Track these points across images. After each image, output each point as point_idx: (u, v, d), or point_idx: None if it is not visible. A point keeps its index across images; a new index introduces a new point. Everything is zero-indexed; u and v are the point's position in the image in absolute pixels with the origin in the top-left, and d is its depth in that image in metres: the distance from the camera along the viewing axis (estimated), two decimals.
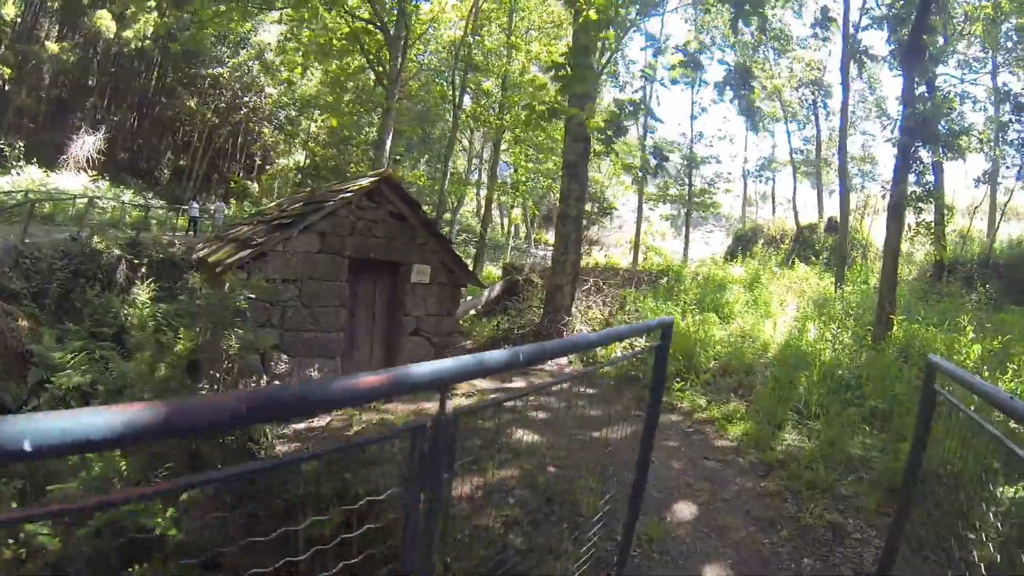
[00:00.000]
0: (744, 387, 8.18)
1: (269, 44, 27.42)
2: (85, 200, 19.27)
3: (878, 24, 12.65)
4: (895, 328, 9.38)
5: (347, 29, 17.20)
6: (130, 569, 4.33)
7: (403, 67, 21.10)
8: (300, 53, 22.64)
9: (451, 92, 22.27)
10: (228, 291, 7.43)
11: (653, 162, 9.42)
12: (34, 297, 13.99)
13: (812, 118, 29.33)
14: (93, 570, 4.58)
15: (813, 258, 20.45)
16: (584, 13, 7.57)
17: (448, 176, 22.20)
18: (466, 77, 22.17)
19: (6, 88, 26.54)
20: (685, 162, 29.17)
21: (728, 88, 8.36)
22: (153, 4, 24.33)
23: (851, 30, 17.30)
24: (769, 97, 29.76)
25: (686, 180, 28.96)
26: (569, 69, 7.38)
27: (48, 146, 25.85)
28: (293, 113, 29.04)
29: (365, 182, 9.54)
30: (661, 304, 12.47)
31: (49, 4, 26.90)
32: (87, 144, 26.35)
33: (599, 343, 3.93)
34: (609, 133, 7.80)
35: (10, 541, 5.06)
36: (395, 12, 16.78)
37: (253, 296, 7.68)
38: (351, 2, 17.69)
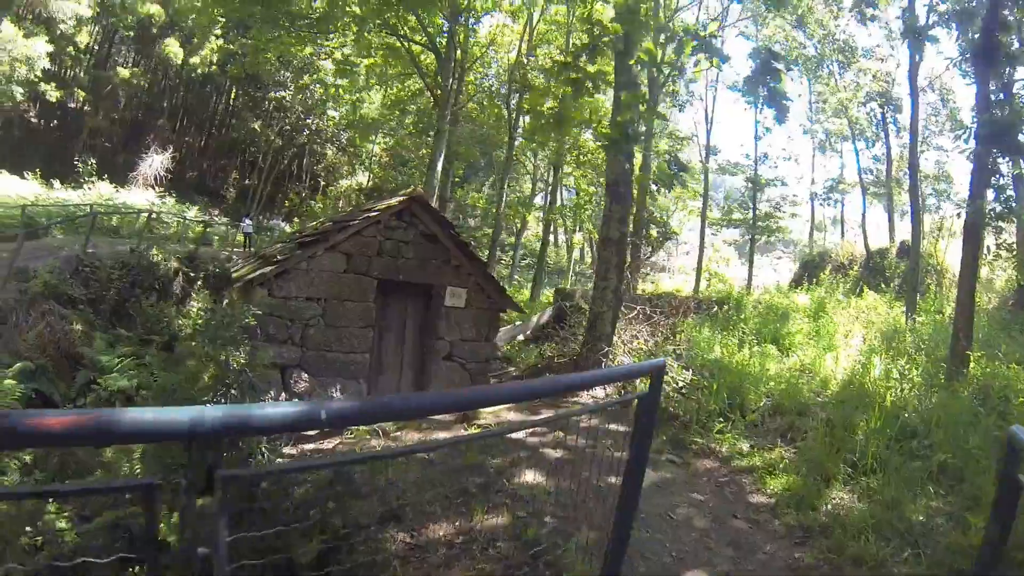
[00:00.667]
0: (794, 430, 7.26)
1: (330, 69, 28.06)
2: (147, 214, 20.02)
3: (944, 22, 11.45)
4: (971, 365, 8.21)
5: (398, 47, 17.27)
6: None
7: (457, 89, 21.09)
8: (360, 77, 23.02)
9: (507, 114, 22.05)
10: (228, 307, 7.16)
11: (671, 170, 8.68)
12: (91, 303, 14.35)
13: (881, 135, 27.31)
14: None
15: (883, 285, 18.85)
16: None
17: (504, 199, 21.86)
18: (521, 98, 21.89)
19: (83, 110, 28.25)
20: (749, 185, 27.79)
21: (754, 81, 7.54)
22: (218, 32, 25.41)
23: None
24: (835, 114, 28.08)
25: (750, 204, 27.56)
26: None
27: (120, 164, 27.45)
28: (355, 135, 29.57)
29: (394, 201, 9.22)
30: (716, 334, 11.55)
31: (124, 33, 28.55)
32: (155, 163, 27.70)
33: (581, 386, 3.30)
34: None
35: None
36: (446, 35, 16.70)
37: (259, 312, 7.40)
38: (407, 27, 17.76)
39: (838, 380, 9.31)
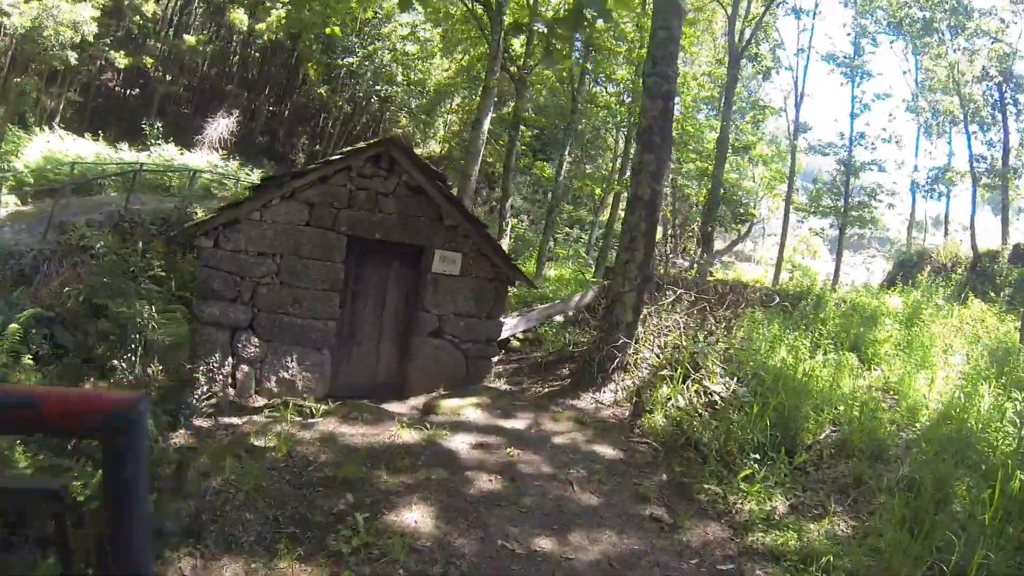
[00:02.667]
0: (861, 488, 4.80)
1: (399, 34, 26.46)
2: (206, 174, 19.35)
3: None
4: None
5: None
6: None
7: (526, 53, 18.94)
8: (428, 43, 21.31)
9: (569, 76, 19.54)
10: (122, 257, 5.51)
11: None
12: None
13: (999, 117, 22.34)
14: None
15: (992, 293, 15.16)
16: None
17: (561, 170, 19.43)
18: (585, 60, 19.29)
19: (157, 77, 28.31)
20: (841, 168, 23.81)
21: None
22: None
23: None
24: (944, 91, 23.45)
25: (842, 189, 23.59)
26: None
27: (188, 129, 27.13)
28: (426, 102, 27.87)
29: (365, 144, 7.26)
30: (785, 334, 8.94)
31: (197, 3, 28.18)
32: (220, 127, 27.33)
33: None
34: None
35: None
36: None
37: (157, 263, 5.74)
38: None
39: (931, 410, 6.64)
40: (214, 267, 6.95)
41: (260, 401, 7.14)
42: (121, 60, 24.83)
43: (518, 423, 6.10)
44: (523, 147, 24.36)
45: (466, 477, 4.49)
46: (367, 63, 27.61)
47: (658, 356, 7.98)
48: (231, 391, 7.10)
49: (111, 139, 24.34)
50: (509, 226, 20.69)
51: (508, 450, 5.10)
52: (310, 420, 5.89)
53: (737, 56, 19.15)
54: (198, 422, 5.96)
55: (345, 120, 30.37)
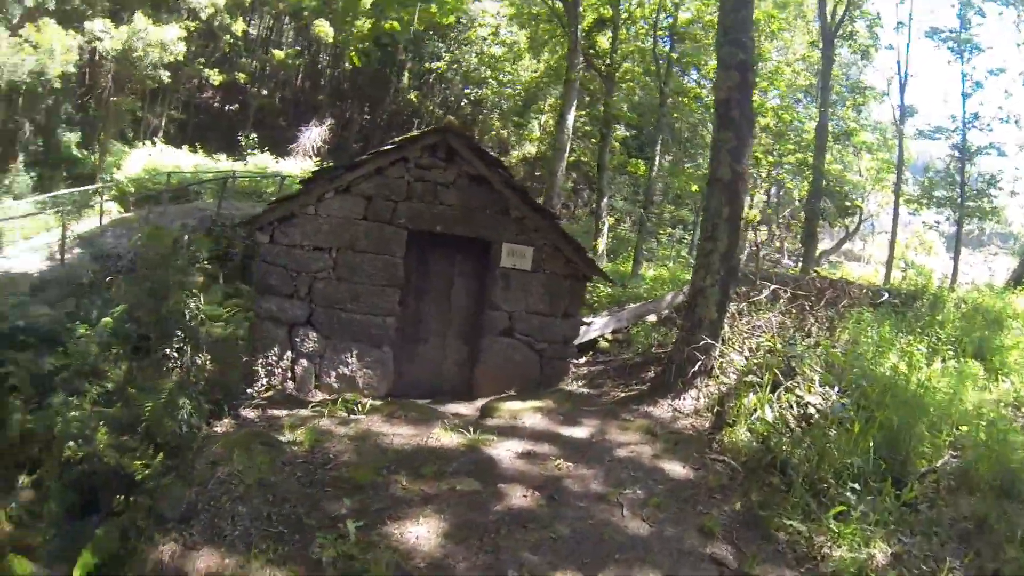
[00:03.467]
0: (989, 534, 3.76)
1: (484, 37, 26.17)
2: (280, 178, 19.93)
3: None
4: None
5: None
6: None
7: (612, 48, 18.17)
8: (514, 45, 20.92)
9: (655, 69, 18.38)
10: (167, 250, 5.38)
11: None
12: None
13: None
14: None
15: None
16: None
17: (655, 165, 18.33)
18: (669, 51, 18.09)
19: (250, 92, 29.78)
20: (955, 153, 21.00)
21: None
22: (367, 9, 24.83)
23: None
24: None
25: (956, 177, 20.80)
26: None
27: (283, 139, 28.23)
28: (517, 103, 27.42)
29: (420, 133, 6.83)
30: (898, 337, 7.64)
31: (287, 20, 29.04)
32: (313, 135, 28.13)
33: None
34: None
35: None
36: None
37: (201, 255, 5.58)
38: None
39: None
40: (271, 262, 6.79)
41: (319, 396, 6.91)
42: (215, 77, 26.26)
43: (580, 431, 5.45)
44: (618, 146, 23.42)
45: (497, 490, 3.93)
46: (455, 67, 27.60)
47: (747, 359, 7.04)
48: (291, 384, 6.90)
49: (210, 151, 25.85)
50: (605, 225, 19.93)
51: (557, 462, 4.48)
52: (352, 416, 5.52)
53: (830, 36, 17.41)
54: (246, 412, 5.75)
55: (437, 124, 30.59)
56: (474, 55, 26.87)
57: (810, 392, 5.88)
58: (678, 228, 30.96)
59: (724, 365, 7.00)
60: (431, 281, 7.33)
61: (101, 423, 5.74)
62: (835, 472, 4.32)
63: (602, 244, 18.93)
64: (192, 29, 22.87)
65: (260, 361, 6.86)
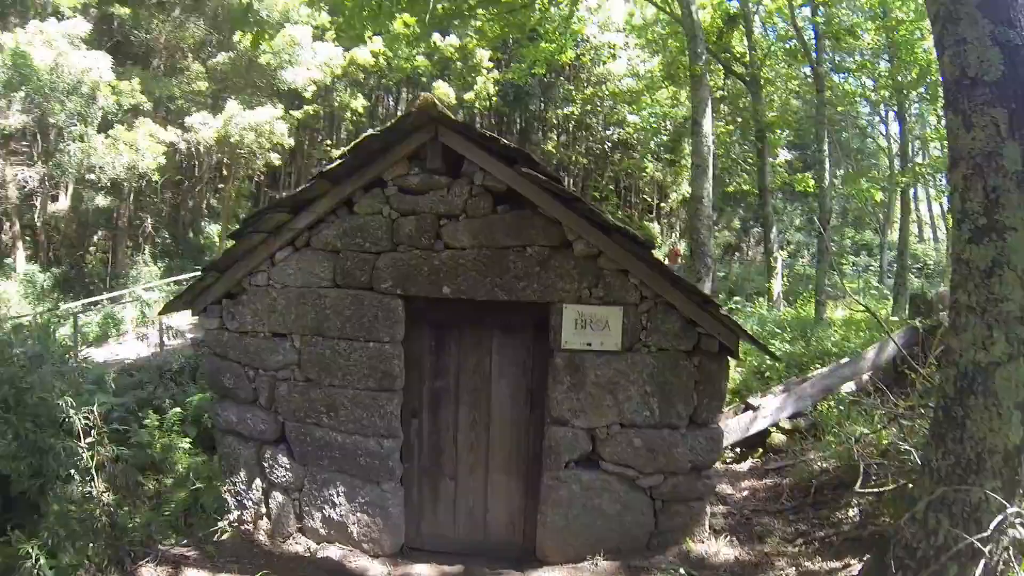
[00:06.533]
0: None
1: (609, 69, 22.98)
2: None
3: None
4: None
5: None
6: None
7: (749, 45, 14.34)
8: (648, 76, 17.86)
9: (803, 56, 13.68)
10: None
11: None
12: None
13: None
14: None
15: None
16: None
17: (825, 176, 13.39)
18: (818, 44, 13.18)
19: None
20: None
21: None
22: (489, 65, 22.92)
23: None
24: None
25: None
26: None
27: None
28: (664, 138, 23.59)
29: (390, 128, 3.82)
30: None
31: (403, 91, 28.15)
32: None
33: None
34: None
35: None
36: None
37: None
38: None
39: None
40: (222, 355, 4.39)
41: (302, 544, 4.19)
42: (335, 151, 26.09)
43: None
44: (780, 167, 18.60)
45: None
46: (588, 108, 24.76)
47: None
48: (265, 524, 4.28)
49: None
50: (779, 262, 15.27)
51: None
52: None
53: None
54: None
55: (585, 175, 27.69)
56: (607, 93, 23.82)
57: None
58: (861, 254, 25.17)
59: None
60: (453, 379, 4.25)
61: None
62: None
63: (777, 286, 14.11)
64: (312, 112, 22.66)
65: (227, 489, 4.42)
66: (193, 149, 19.57)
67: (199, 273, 4.30)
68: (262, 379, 4.25)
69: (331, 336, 4.08)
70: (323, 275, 4.07)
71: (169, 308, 4.42)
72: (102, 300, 14.87)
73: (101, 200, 19.43)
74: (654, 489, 3.99)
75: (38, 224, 19.79)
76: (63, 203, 20.28)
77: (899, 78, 13.11)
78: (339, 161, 3.72)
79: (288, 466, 4.28)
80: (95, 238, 21.68)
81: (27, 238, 19.92)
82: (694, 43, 9.86)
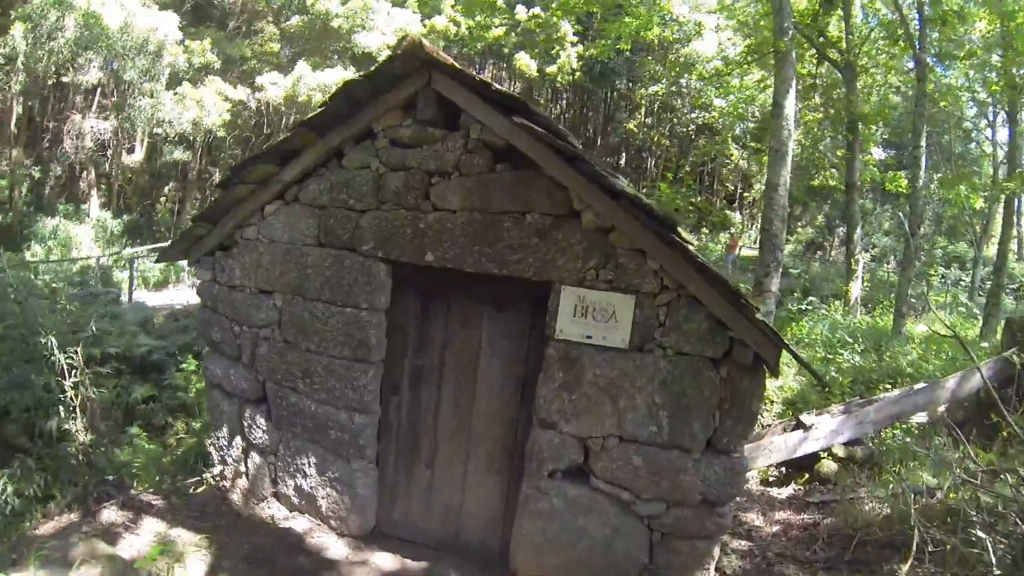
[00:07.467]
0: None
1: (696, 51, 21.23)
2: None
3: None
4: None
5: None
6: None
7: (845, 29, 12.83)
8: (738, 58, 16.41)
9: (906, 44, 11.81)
10: None
11: None
12: None
13: None
14: None
15: None
16: None
17: (920, 176, 11.52)
18: (922, 30, 11.21)
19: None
20: None
21: None
22: (573, 39, 21.69)
23: None
24: None
25: None
26: None
27: None
28: (751, 125, 21.79)
29: (379, 68, 3.31)
30: None
31: (488, 63, 27.19)
32: None
33: None
34: None
35: None
36: None
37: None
38: None
39: None
40: (212, 308, 4.22)
41: (273, 509, 3.96)
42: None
43: None
44: (872, 164, 16.58)
45: None
46: (673, 89, 23.22)
47: None
48: (243, 483, 4.10)
49: None
50: (860, 264, 13.64)
51: None
52: None
53: None
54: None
55: (668, 157, 26.25)
56: (693, 75, 22.27)
57: None
58: (952, 267, 22.45)
59: None
60: (438, 355, 3.77)
61: None
62: None
63: (856, 289, 12.51)
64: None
65: (211, 443, 4.31)
66: (263, 107, 20.13)
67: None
68: (246, 336, 4.00)
69: (310, 298, 3.74)
70: (308, 232, 3.72)
71: (165, 256, 4.28)
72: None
73: (177, 153, 20.60)
74: (653, 519, 3.28)
75: (112, 174, 21.21)
76: (138, 155, 21.60)
77: (1013, 71, 11.17)
78: (321, 109, 3.32)
79: (265, 428, 4.02)
80: (166, 189, 23.06)
81: (102, 187, 21.36)
82: (780, 17, 8.68)
